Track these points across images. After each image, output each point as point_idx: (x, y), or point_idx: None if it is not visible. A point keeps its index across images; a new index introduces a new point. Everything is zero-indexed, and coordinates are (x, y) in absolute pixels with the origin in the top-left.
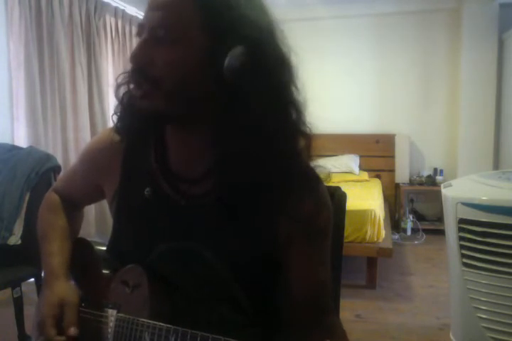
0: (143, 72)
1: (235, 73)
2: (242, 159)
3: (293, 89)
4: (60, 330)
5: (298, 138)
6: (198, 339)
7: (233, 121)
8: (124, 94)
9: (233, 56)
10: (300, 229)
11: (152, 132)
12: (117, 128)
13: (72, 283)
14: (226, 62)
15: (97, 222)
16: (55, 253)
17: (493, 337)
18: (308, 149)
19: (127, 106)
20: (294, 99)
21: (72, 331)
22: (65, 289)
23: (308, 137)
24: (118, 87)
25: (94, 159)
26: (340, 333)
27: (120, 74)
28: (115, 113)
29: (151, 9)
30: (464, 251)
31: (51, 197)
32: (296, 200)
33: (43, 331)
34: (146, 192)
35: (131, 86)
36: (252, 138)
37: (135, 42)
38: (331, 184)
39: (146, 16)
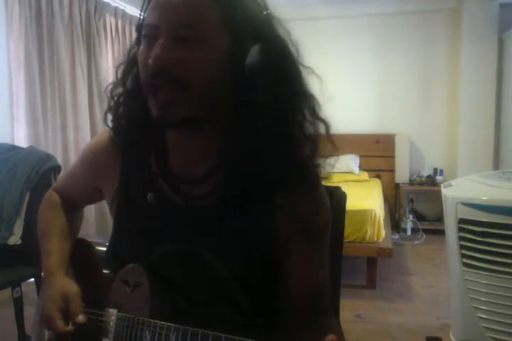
0: (168, 75)
1: (255, 72)
2: (251, 158)
3: (305, 85)
4: (68, 321)
5: (306, 136)
6: (199, 337)
7: (246, 121)
8: (118, 102)
9: (253, 55)
10: (299, 229)
11: (151, 134)
12: (115, 138)
13: (71, 279)
14: (247, 61)
15: (97, 223)
16: (54, 251)
17: (493, 337)
18: (314, 149)
19: (125, 115)
20: (309, 97)
21: (80, 319)
22: (64, 283)
23: (316, 137)
24: (111, 97)
25: (93, 160)
26: (338, 334)
27: (109, 84)
28: (113, 126)
29: (167, 9)
30: (464, 251)
31: (51, 196)
32: (295, 201)
33: (51, 325)
34: (149, 198)
35: (149, 93)
36: (263, 137)
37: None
38: (331, 184)
39: (161, 16)
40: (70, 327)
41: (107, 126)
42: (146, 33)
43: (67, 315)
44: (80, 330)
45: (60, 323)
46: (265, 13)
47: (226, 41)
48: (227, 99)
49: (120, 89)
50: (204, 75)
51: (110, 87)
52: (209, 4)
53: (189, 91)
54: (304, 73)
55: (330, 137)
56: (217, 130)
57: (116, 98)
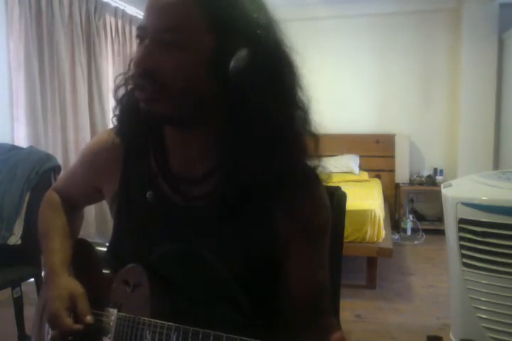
0: (150, 76)
1: (240, 74)
2: (247, 159)
3: (297, 88)
4: (75, 321)
5: (301, 137)
6: (200, 336)
7: (239, 121)
8: (123, 97)
9: (239, 58)
10: (299, 229)
11: (151, 134)
12: (117, 131)
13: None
14: (232, 64)
15: (97, 223)
16: (56, 250)
17: (493, 337)
18: (311, 149)
19: (127, 109)
20: (299, 98)
21: (89, 319)
22: (70, 282)
23: (312, 137)
24: (116, 89)
25: (93, 160)
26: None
27: (118, 76)
28: (114, 115)
29: (153, 12)
30: (464, 251)
31: (51, 196)
32: (295, 201)
33: (58, 323)
34: (148, 195)
35: (135, 90)
36: (257, 137)
37: (135, 43)
38: (331, 184)
39: (148, 19)
40: (79, 326)
41: (114, 115)
42: (138, 34)
43: (74, 315)
44: (85, 331)
45: (68, 321)
46: (257, 15)
47: (211, 44)
48: (216, 99)
49: (129, 84)
50: (183, 78)
51: (121, 77)
52: (195, 6)
53: (166, 92)
54: (299, 76)
55: (318, 150)
56: (213, 130)
57: (127, 89)
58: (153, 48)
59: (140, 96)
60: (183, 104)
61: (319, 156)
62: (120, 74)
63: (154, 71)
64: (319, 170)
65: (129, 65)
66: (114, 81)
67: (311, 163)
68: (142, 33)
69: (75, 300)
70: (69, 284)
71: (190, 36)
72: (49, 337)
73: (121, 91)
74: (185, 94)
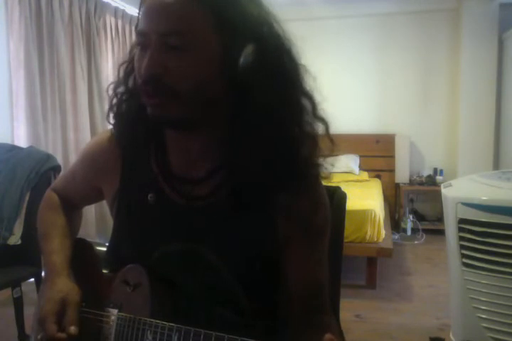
0: (159, 82)
1: (250, 71)
2: (250, 159)
3: (302, 84)
4: (61, 327)
5: (304, 137)
6: (202, 337)
7: (244, 121)
8: (119, 100)
9: (247, 55)
10: (299, 229)
11: (151, 134)
12: (117, 136)
13: (74, 280)
14: (241, 61)
15: (97, 223)
16: (56, 250)
17: (493, 337)
18: (313, 148)
19: (125, 112)
20: (303, 94)
21: (73, 330)
22: (67, 286)
23: (316, 136)
24: (114, 96)
25: (94, 161)
26: (336, 333)
27: (111, 84)
28: (113, 118)
29: (155, 16)
30: (463, 251)
31: (51, 195)
32: (295, 200)
33: (44, 327)
34: (149, 198)
35: (144, 96)
36: (261, 137)
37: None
38: (331, 184)
39: (149, 23)
40: (62, 335)
41: (109, 123)
42: (139, 40)
43: (61, 321)
44: (72, 339)
45: (52, 327)
46: (260, 12)
47: (218, 43)
48: (223, 99)
49: (122, 88)
50: (192, 81)
51: (112, 86)
52: (197, 7)
53: (176, 97)
54: (303, 72)
55: (329, 135)
56: (216, 131)
57: (118, 96)
58: (159, 53)
59: (149, 103)
60: (193, 107)
61: (321, 156)
62: (112, 83)
63: (164, 76)
64: (319, 169)
65: (119, 70)
66: (108, 88)
67: (312, 162)
68: (144, 39)
69: (66, 307)
70: (66, 288)
71: (197, 38)
72: (38, 337)
73: (120, 92)
74: (195, 97)
